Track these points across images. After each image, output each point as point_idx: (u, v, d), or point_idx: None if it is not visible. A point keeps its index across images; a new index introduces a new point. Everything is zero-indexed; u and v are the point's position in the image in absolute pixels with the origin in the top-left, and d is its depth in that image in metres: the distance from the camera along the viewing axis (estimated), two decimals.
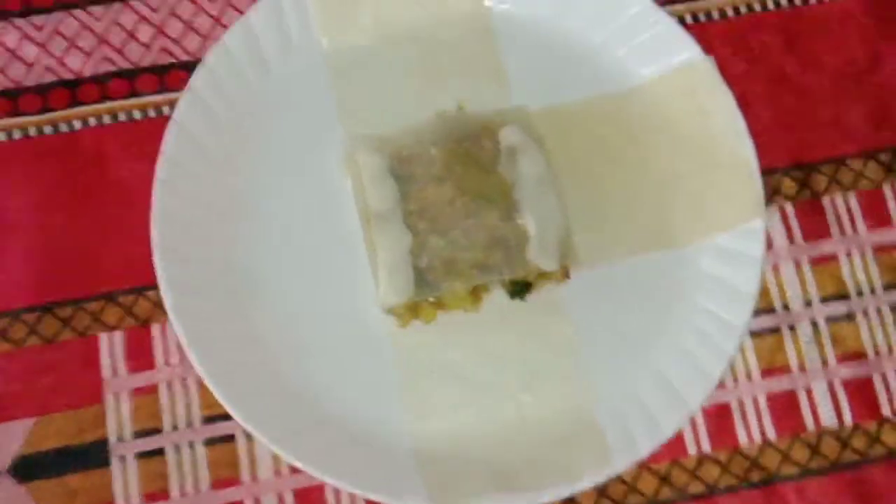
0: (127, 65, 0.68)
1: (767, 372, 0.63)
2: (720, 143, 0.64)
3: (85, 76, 0.67)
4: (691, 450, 0.62)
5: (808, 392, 0.63)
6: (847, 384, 0.63)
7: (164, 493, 0.61)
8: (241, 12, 0.68)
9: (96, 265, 0.64)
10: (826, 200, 0.66)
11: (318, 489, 0.61)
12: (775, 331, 0.64)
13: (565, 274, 0.62)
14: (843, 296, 0.65)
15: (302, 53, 0.66)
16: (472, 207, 0.61)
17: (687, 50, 0.65)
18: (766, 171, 0.65)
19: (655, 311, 0.63)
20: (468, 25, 0.67)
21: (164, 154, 0.62)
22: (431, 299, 0.61)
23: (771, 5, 0.70)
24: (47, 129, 0.66)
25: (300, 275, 0.63)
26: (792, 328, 0.64)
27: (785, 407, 0.63)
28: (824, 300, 0.65)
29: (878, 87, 0.68)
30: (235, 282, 0.62)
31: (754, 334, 0.64)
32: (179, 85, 0.65)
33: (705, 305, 0.62)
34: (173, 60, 0.68)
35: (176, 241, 0.61)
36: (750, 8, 0.69)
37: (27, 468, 0.61)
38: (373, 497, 0.58)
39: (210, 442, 0.61)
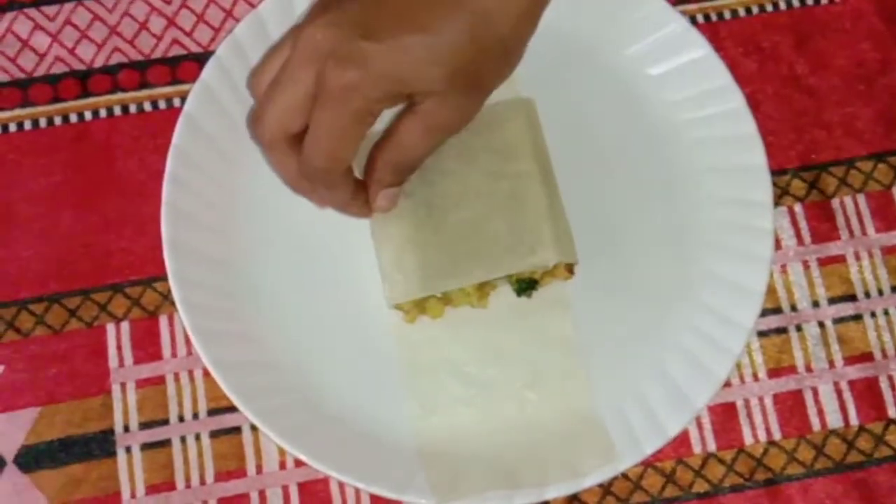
0: (138, 56, 0.68)
1: (774, 372, 0.63)
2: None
3: (96, 67, 0.67)
4: (696, 449, 0.62)
5: (815, 392, 0.63)
6: (854, 385, 0.63)
7: (170, 485, 0.61)
8: (253, 5, 0.68)
9: (104, 256, 0.64)
10: (835, 202, 0.66)
11: (323, 482, 0.61)
12: (782, 331, 0.64)
13: (570, 271, 0.62)
14: (850, 297, 0.65)
15: None
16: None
17: (697, 49, 0.65)
18: (776, 172, 0.65)
19: (662, 309, 0.63)
20: None
21: (174, 146, 0.62)
22: (438, 295, 0.61)
23: (782, 5, 0.69)
24: (57, 120, 0.67)
25: (307, 270, 0.63)
26: (799, 328, 0.64)
27: (791, 407, 0.63)
28: (832, 301, 0.65)
29: (889, 90, 0.68)
30: (243, 276, 0.62)
31: (761, 334, 0.64)
32: (190, 77, 0.65)
33: (712, 304, 0.62)
34: (185, 52, 0.68)
35: (185, 233, 0.61)
36: (762, 8, 0.69)
37: (32, 458, 0.61)
38: (376, 492, 0.58)
39: (216, 434, 0.62)
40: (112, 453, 0.61)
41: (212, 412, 0.62)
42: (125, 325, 0.63)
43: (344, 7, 0.53)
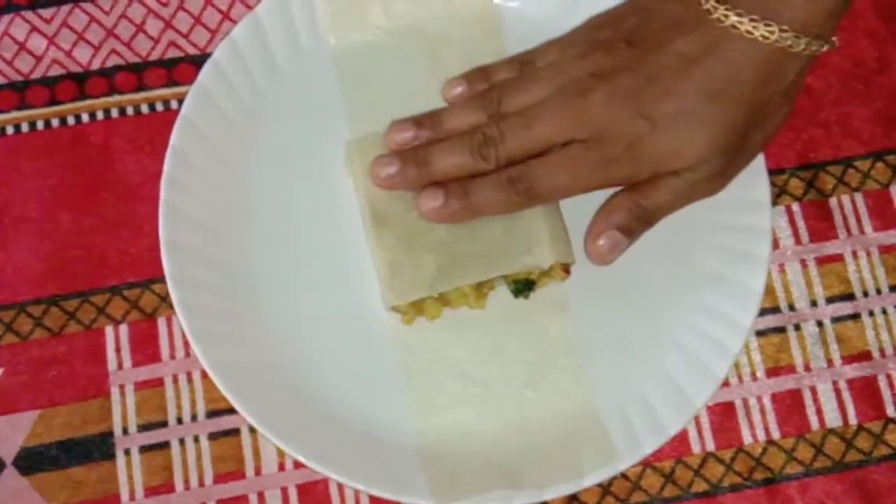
0: (135, 58, 0.68)
1: (772, 371, 0.63)
2: None
3: (93, 69, 0.67)
4: (696, 448, 0.62)
5: (813, 392, 0.63)
6: (852, 384, 0.63)
7: (169, 487, 0.61)
8: (250, 7, 0.68)
9: (103, 258, 0.64)
10: (833, 201, 0.66)
11: (323, 483, 0.61)
12: (781, 330, 0.64)
13: (566, 271, 0.62)
14: (848, 296, 0.65)
15: (309, 50, 0.66)
16: None
17: None
18: (774, 171, 0.65)
19: (660, 309, 0.63)
20: (476, 22, 0.67)
21: (171, 148, 0.62)
22: (436, 296, 0.61)
23: None
24: (55, 122, 0.66)
25: (304, 272, 0.63)
26: (797, 328, 0.64)
27: (790, 406, 0.63)
28: (830, 300, 0.65)
29: (887, 88, 0.68)
30: (240, 277, 0.62)
31: (759, 333, 0.64)
32: (187, 79, 0.65)
33: (711, 304, 0.62)
34: (181, 54, 0.68)
35: (183, 236, 0.61)
36: None
37: (32, 460, 0.61)
38: (376, 492, 0.58)
39: (214, 436, 0.62)
40: (111, 456, 0.61)
41: (210, 414, 0.62)
42: (124, 328, 0.63)
43: (620, 74, 0.56)
